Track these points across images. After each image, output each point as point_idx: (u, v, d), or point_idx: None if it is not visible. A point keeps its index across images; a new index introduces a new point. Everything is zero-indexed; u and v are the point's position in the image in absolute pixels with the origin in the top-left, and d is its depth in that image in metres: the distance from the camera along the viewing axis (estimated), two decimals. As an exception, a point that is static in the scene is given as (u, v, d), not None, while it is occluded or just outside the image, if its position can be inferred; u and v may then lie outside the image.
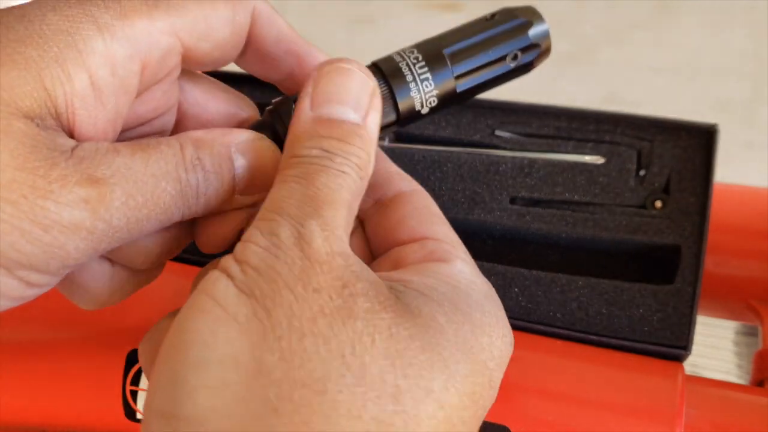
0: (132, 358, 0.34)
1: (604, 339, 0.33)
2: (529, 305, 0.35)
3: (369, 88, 0.25)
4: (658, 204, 0.36)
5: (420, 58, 0.27)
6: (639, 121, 0.38)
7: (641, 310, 0.34)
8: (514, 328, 0.34)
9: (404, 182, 0.29)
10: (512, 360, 0.34)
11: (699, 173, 0.37)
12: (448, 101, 0.28)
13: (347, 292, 0.22)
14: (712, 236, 0.36)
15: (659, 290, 0.34)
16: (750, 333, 0.47)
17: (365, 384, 0.21)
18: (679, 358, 0.33)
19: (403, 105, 0.27)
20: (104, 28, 0.23)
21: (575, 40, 1.37)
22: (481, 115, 0.40)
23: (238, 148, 0.25)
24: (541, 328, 0.34)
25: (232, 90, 0.29)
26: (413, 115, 0.28)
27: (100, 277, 0.27)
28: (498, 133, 0.40)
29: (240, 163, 0.25)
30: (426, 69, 0.27)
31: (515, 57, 0.28)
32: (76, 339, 0.35)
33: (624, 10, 1.39)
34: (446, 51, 0.28)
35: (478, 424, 0.24)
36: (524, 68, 0.29)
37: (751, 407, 0.32)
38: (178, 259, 0.38)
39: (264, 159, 0.26)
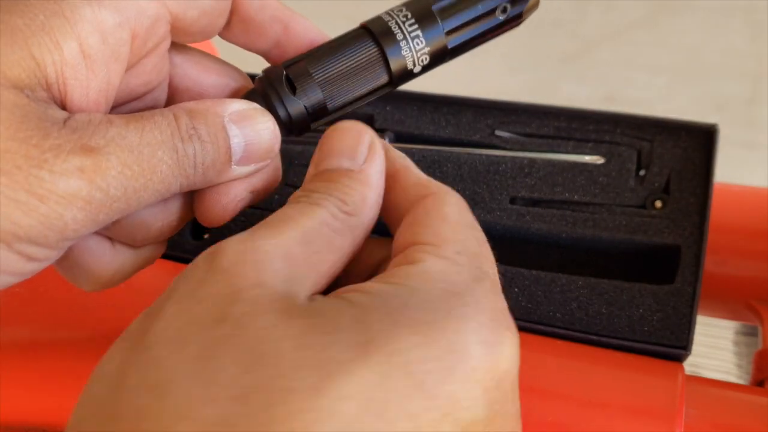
0: (132, 358, 0.34)
1: (604, 339, 0.33)
2: (529, 305, 0.35)
3: (365, 140, 0.26)
4: (658, 204, 0.36)
5: (409, 16, 0.27)
6: (639, 121, 0.38)
7: (641, 310, 0.34)
8: (514, 328, 0.35)
9: (421, 188, 0.25)
10: (512, 360, 0.34)
11: (699, 173, 0.37)
12: (440, 58, 0.28)
13: (230, 299, 0.20)
14: (712, 236, 0.36)
15: (659, 290, 0.34)
16: (750, 333, 0.47)
17: (215, 385, 0.19)
18: (679, 358, 0.33)
19: (395, 65, 0.27)
20: None
21: (575, 40, 1.37)
22: (481, 115, 0.40)
23: (231, 117, 0.25)
24: (541, 328, 0.34)
25: (223, 61, 0.29)
26: (406, 75, 0.28)
27: (101, 256, 0.27)
28: (498, 133, 0.40)
29: (234, 132, 0.25)
30: (416, 27, 0.27)
31: (504, 10, 0.28)
32: (75, 339, 0.35)
33: (624, 10, 1.39)
34: (435, 7, 0.28)
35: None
36: (514, 21, 0.29)
37: (752, 407, 0.32)
38: (177, 259, 0.38)
39: (258, 128, 0.26)
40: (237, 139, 0.25)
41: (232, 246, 0.22)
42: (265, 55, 0.29)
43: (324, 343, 0.19)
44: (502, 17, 0.28)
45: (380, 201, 0.25)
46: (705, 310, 0.41)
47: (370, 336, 0.19)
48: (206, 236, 0.39)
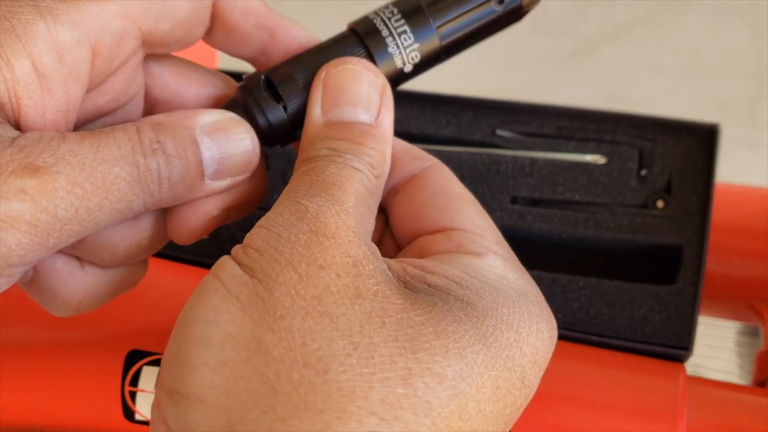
0: (131, 359, 0.34)
1: (605, 339, 0.33)
2: (530, 305, 0.34)
3: (378, 86, 0.25)
4: (660, 204, 0.36)
5: (395, 12, 0.26)
6: (640, 120, 0.38)
7: (642, 311, 0.34)
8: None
9: (416, 161, 0.27)
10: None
11: (701, 173, 0.36)
12: (433, 56, 0.27)
13: (355, 272, 0.21)
14: (714, 236, 0.36)
15: (661, 290, 0.34)
16: (752, 333, 0.47)
17: (373, 365, 0.20)
18: (680, 359, 0.33)
19: (384, 66, 0.26)
20: (46, 11, 0.22)
21: (576, 40, 1.37)
22: (481, 115, 0.40)
23: (203, 130, 0.24)
24: (542, 328, 0.34)
25: (207, 69, 0.28)
26: (397, 75, 0.27)
27: (68, 277, 0.25)
28: (499, 132, 0.39)
29: (207, 145, 0.24)
30: (402, 21, 0.26)
31: (500, 0, 0.27)
32: (75, 339, 0.35)
33: (625, 9, 1.39)
34: (424, 1, 0.26)
35: (506, 423, 0.23)
36: (513, 14, 0.27)
37: (753, 408, 0.32)
38: (177, 259, 0.38)
39: (233, 139, 0.25)
40: (210, 152, 0.24)
41: (326, 208, 0.22)
42: (252, 62, 0.27)
43: (455, 333, 0.21)
44: (498, 8, 0.27)
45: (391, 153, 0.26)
46: (707, 311, 0.41)
47: (484, 331, 0.22)
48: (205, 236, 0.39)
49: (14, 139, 0.21)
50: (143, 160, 0.23)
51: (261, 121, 0.26)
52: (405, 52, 0.26)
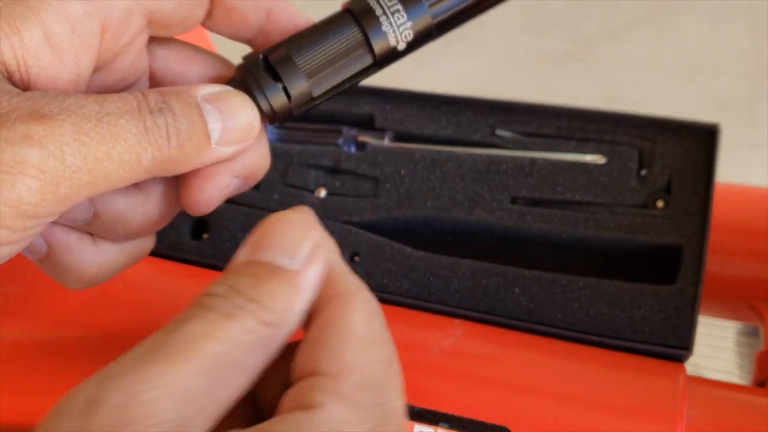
0: (131, 359, 0.34)
1: (605, 339, 0.33)
2: (530, 305, 0.34)
3: (312, 238, 0.22)
4: (660, 204, 0.36)
5: None
6: (640, 120, 0.38)
7: (642, 311, 0.34)
8: (515, 328, 0.35)
9: (329, 288, 0.23)
10: (513, 360, 0.34)
11: (700, 173, 0.36)
12: (425, 33, 0.27)
13: None
14: (714, 236, 0.36)
15: (661, 290, 0.34)
16: (752, 333, 0.47)
17: None
18: (680, 359, 0.33)
19: (378, 45, 0.26)
20: None
21: (575, 39, 1.37)
22: (481, 115, 0.40)
23: (205, 98, 0.25)
24: (542, 328, 0.34)
25: (208, 51, 0.28)
26: (390, 53, 0.27)
27: (82, 253, 0.26)
28: (499, 132, 0.39)
29: (209, 111, 0.24)
30: (395, 0, 0.26)
31: None
32: (75, 339, 0.35)
33: (624, 9, 1.39)
34: None
35: None
36: None
37: (753, 408, 0.32)
38: (177, 259, 0.38)
39: (233, 107, 0.25)
40: (213, 116, 0.25)
41: (113, 396, 0.18)
42: (250, 43, 0.28)
43: None
44: None
45: (307, 308, 0.22)
46: (707, 311, 0.41)
47: None
48: (205, 236, 0.39)
49: (21, 93, 0.22)
50: (150, 116, 0.23)
51: (260, 99, 0.26)
52: (398, 31, 0.27)
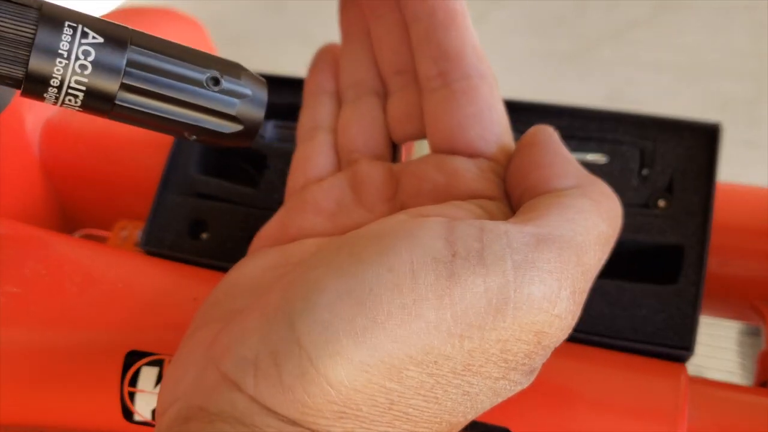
0: (130, 359, 0.33)
1: (606, 339, 0.33)
2: (531, 305, 0.34)
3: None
4: (661, 203, 0.36)
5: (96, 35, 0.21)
6: (641, 119, 0.38)
7: (644, 311, 0.34)
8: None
9: (475, 64, 0.28)
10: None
11: (702, 172, 0.36)
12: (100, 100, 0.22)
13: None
14: (716, 236, 0.36)
15: (662, 290, 0.34)
16: (754, 333, 0.47)
17: None
18: (682, 359, 0.33)
19: (35, 63, 0.20)
20: None
21: (577, 39, 1.37)
22: (482, 114, 0.40)
23: None
24: (543, 328, 0.34)
25: None
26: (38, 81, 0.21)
27: None
28: (499, 132, 0.39)
29: None
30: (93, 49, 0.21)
31: (216, 82, 0.23)
32: (75, 339, 0.35)
33: (624, 9, 1.39)
34: (131, 40, 0.22)
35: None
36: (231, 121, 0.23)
37: (755, 408, 0.32)
38: (177, 259, 0.38)
39: None
40: None
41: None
42: None
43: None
44: (210, 91, 0.22)
45: None
46: (708, 311, 0.40)
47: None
48: (204, 236, 0.39)
49: None
50: None
51: None
52: (68, 78, 0.21)
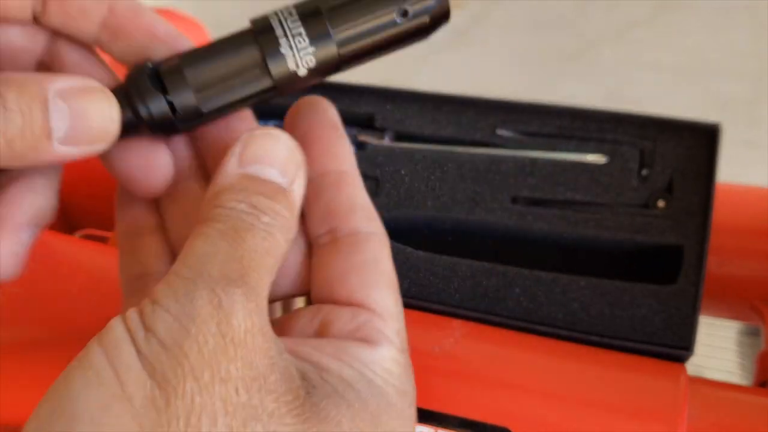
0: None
1: (606, 339, 0.33)
2: (531, 305, 0.34)
3: (297, 158, 0.24)
4: (661, 204, 0.36)
5: (293, 13, 0.25)
6: (641, 120, 0.38)
7: (643, 311, 0.34)
8: (516, 328, 0.34)
9: (364, 221, 0.26)
10: (513, 361, 0.33)
11: (702, 172, 0.36)
12: (330, 62, 0.25)
13: (256, 387, 0.20)
14: (715, 236, 0.36)
15: (661, 290, 0.34)
16: (753, 333, 0.47)
17: None
18: (681, 359, 0.33)
19: (275, 66, 0.25)
20: None
21: (577, 39, 1.37)
22: (482, 114, 0.40)
23: (59, 92, 0.23)
24: (543, 328, 0.34)
25: (101, 62, 0.27)
26: (291, 78, 0.25)
27: None
28: (499, 132, 0.39)
29: (59, 107, 0.23)
30: (298, 23, 0.25)
31: (404, 13, 0.25)
32: (74, 339, 0.35)
33: (626, 9, 1.39)
34: (324, 5, 0.25)
35: None
36: (418, 30, 0.26)
37: (754, 408, 0.32)
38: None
39: (90, 104, 0.23)
40: (61, 113, 0.23)
41: (240, 306, 0.21)
42: (97, 42, 0.26)
43: None
44: (401, 22, 0.25)
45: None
46: (708, 311, 0.41)
47: None
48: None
49: None
50: None
51: (141, 108, 0.25)
52: (299, 55, 0.25)
